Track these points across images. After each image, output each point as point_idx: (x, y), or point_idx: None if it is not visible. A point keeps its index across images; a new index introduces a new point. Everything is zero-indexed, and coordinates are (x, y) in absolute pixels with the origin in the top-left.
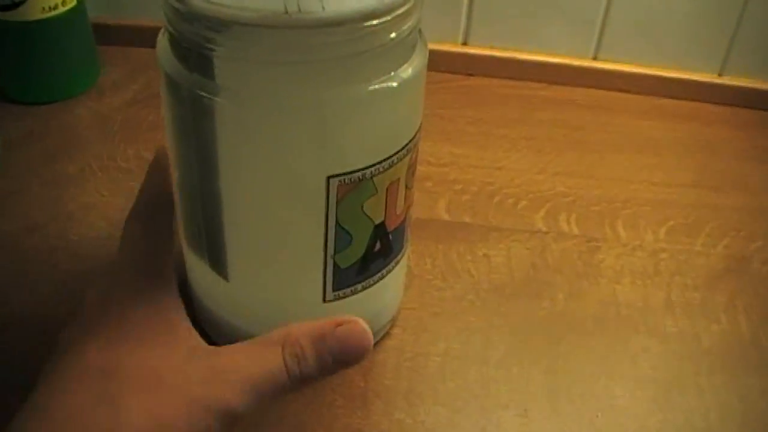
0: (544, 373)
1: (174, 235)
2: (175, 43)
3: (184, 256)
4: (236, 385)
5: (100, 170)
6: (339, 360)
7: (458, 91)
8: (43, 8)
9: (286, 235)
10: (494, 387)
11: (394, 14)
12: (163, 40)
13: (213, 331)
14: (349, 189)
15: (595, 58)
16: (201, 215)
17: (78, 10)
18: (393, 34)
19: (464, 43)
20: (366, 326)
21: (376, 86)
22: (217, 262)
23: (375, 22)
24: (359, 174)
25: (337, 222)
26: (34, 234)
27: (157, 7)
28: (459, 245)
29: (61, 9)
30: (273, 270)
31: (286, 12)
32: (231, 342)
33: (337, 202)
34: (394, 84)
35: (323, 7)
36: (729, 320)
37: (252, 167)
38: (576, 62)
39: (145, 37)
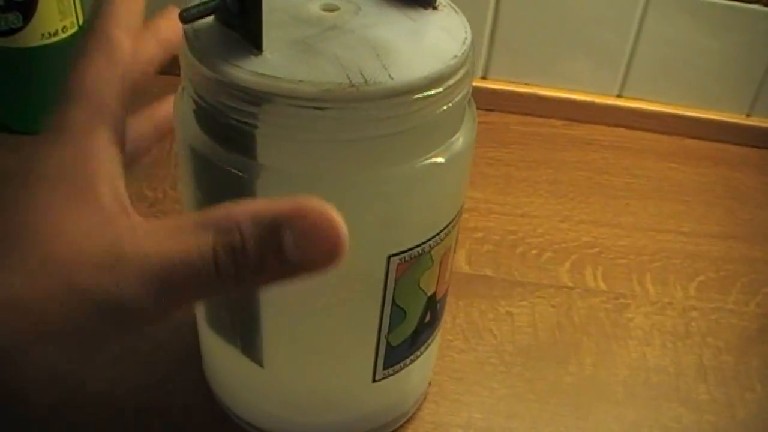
0: None
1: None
2: (205, 114)
3: (202, 346)
4: (133, 274)
5: None
6: (293, 262)
7: (478, 128)
8: (43, 34)
9: (335, 318)
10: None
11: (457, 77)
12: (183, 107)
13: (242, 418)
14: (409, 266)
15: (619, 96)
16: (233, 300)
17: (79, 36)
18: (453, 101)
19: (484, 77)
20: (338, 218)
21: (440, 158)
22: (251, 348)
23: (442, 88)
24: (419, 249)
25: (393, 301)
26: None
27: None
28: (480, 302)
29: (62, 35)
30: (318, 354)
31: (352, 84)
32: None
33: (395, 281)
34: (456, 151)
35: (391, 76)
36: (764, 388)
37: None
38: (600, 99)
39: None
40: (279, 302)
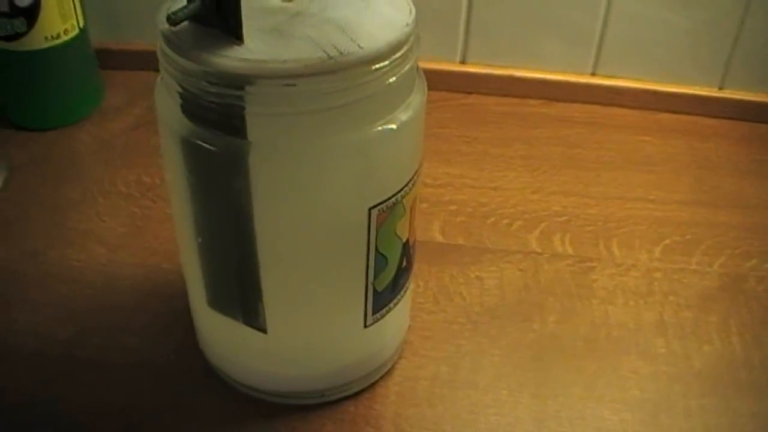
0: (532, 397)
1: None
2: (193, 106)
3: (198, 324)
4: None
5: (101, 195)
6: None
7: (456, 110)
8: (46, 37)
9: (328, 272)
10: (482, 412)
11: (410, 42)
12: (167, 104)
13: (243, 383)
14: (387, 215)
15: (593, 74)
16: (234, 274)
17: (81, 38)
18: (410, 64)
19: (462, 62)
20: None
21: (406, 115)
22: (254, 317)
23: (402, 52)
24: (393, 199)
25: (376, 249)
26: (34, 259)
27: (156, 30)
28: (452, 268)
29: (64, 38)
30: (315, 309)
31: (330, 57)
32: (276, 388)
33: (377, 230)
34: (415, 109)
35: (360, 46)
36: (721, 341)
37: (292, 215)
38: (574, 78)
39: (146, 60)
40: (278, 267)
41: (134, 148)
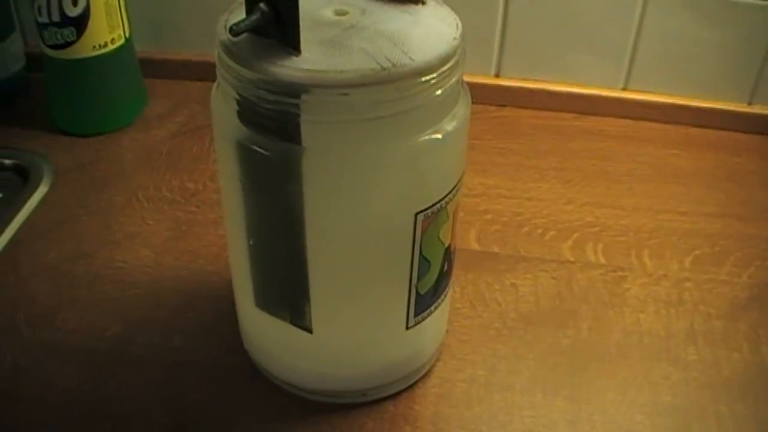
0: (566, 400)
1: None
2: (249, 112)
3: (244, 324)
4: None
5: (146, 200)
6: None
7: (491, 122)
8: (94, 46)
9: (374, 275)
10: (518, 413)
11: (458, 55)
12: (223, 110)
13: (299, 381)
14: (431, 220)
15: (625, 89)
16: (283, 274)
17: (126, 47)
18: (457, 76)
19: (497, 75)
20: None
21: (452, 125)
22: (301, 317)
23: (450, 64)
24: (439, 205)
25: (420, 253)
26: (82, 261)
27: (198, 40)
28: (488, 275)
29: (111, 47)
30: (359, 311)
31: (383, 69)
32: (319, 386)
33: (422, 235)
34: (460, 119)
35: (411, 59)
36: (750, 349)
37: (341, 219)
38: (606, 93)
39: (188, 69)
40: (325, 269)
41: (177, 155)
